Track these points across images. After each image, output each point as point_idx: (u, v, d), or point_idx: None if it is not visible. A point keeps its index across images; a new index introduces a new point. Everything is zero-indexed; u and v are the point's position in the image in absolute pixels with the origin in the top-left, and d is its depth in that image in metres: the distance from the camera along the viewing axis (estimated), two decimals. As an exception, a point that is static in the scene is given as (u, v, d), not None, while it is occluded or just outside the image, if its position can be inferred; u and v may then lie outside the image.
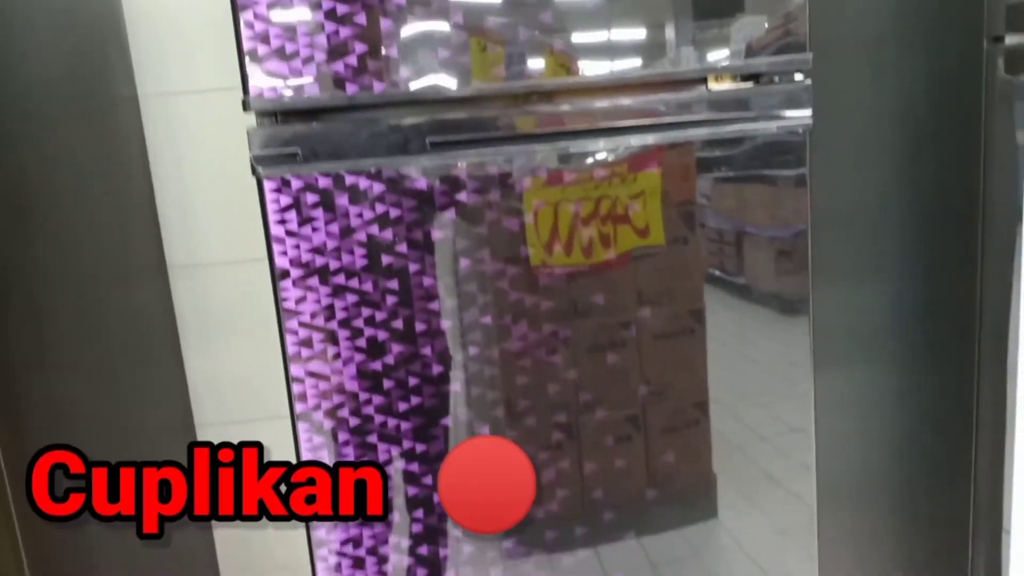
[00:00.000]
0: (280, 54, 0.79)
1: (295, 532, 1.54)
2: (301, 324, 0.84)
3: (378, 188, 0.82)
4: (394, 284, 0.84)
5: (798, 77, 0.88)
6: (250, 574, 1.58)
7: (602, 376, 0.90)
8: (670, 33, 0.85)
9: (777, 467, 0.98)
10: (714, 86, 0.86)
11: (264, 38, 0.79)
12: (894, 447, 1.35)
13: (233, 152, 1.38)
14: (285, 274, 0.83)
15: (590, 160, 0.86)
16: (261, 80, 0.79)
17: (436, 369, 0.87)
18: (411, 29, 0.81)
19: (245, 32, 0.78)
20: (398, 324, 0.85)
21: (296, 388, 0.85)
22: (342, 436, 0.87)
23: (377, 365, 0.86)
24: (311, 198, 0.82)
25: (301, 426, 0.86)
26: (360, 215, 0.82)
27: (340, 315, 0.84)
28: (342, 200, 0.82)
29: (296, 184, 0.81)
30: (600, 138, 0.85)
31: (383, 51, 0.80)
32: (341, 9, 0.79)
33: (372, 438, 0.87)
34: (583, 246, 0.87)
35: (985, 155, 1.03)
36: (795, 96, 0.87)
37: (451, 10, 0.80)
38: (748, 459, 0.98)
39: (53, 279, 1.06)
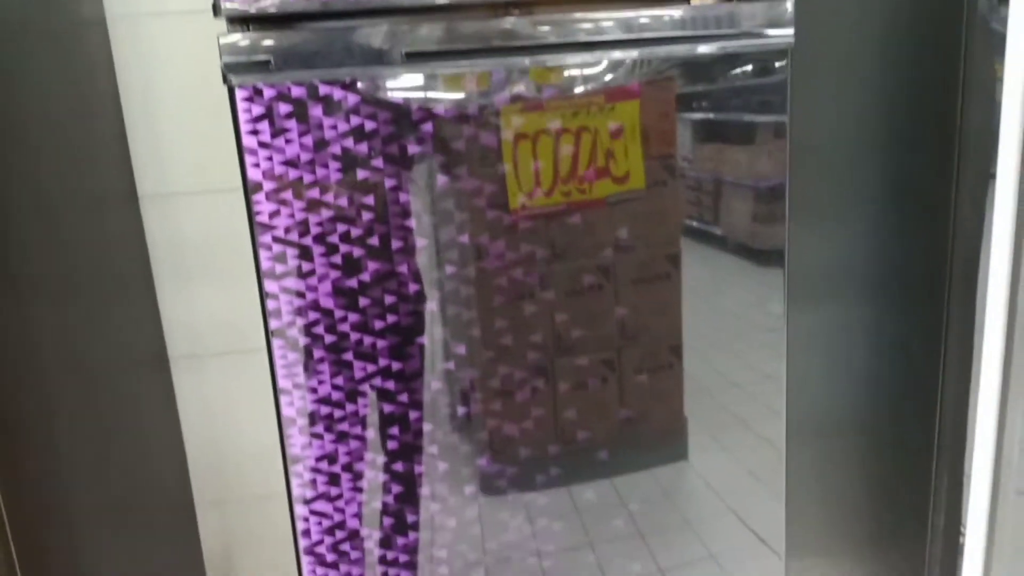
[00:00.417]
0: (251, -45, 0.76)
1: (270, 457, 1.54)
2: (275, 239, 0.83)
3: (353, 99, 0.81)
4: (370, 200, 0.83)
5: (781, -4, 0.87)
6: (227, 504, 1.59)
7: (581, 307, 0.90)
8: (653, -54, 0.83)
9: (747, 411, 1.00)
10: (696, 2, 0.85)
11: (234, -62, 0.76)
12: (862, 381, 1.38)
13: (204, 76, 1.35)
14: (258, 187, 0.81)
15: (568, 78, 0.85)
16: (231, -17, 0.77)
17: (412, 287, 0.87)
18: (387, -67, 0.78)
19: (214, -69, 0.75)
20: (374, 241, 0.84)
21: (270, 304, 0.85)
22: (317, 353, 0.86)
23: (352, 282, 0.85)
24: (284, 108, 0.80)
25: (276, 342, 0.86)
26: (335, 127, 0.81)
27: (314, 230, 0.83)
28: (316, 111, 0.80)
29: (268, 93, 0.79)
30: (579, 53, 0.84)
31: (358, -45, 0.78)
32: (314, -91, 0.76)
33: (347, 356, 0.87)
34: (563, 190, 0.86)
35: (964, 87, 1.03)
36: (777, 15, 0.86)
37: (428, -86, 0.78)
38: (719, 403, 0.99)
39: (20, 206, 1.03)
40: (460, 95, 0.83)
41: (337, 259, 0.84)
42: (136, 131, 1.37)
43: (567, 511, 0.96)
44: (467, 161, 0.84)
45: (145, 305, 1.41)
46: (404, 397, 0.89)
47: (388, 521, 0.91)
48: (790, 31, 0.87)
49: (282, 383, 0.87)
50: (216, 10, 0.77)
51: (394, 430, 0.89)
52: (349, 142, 0.81)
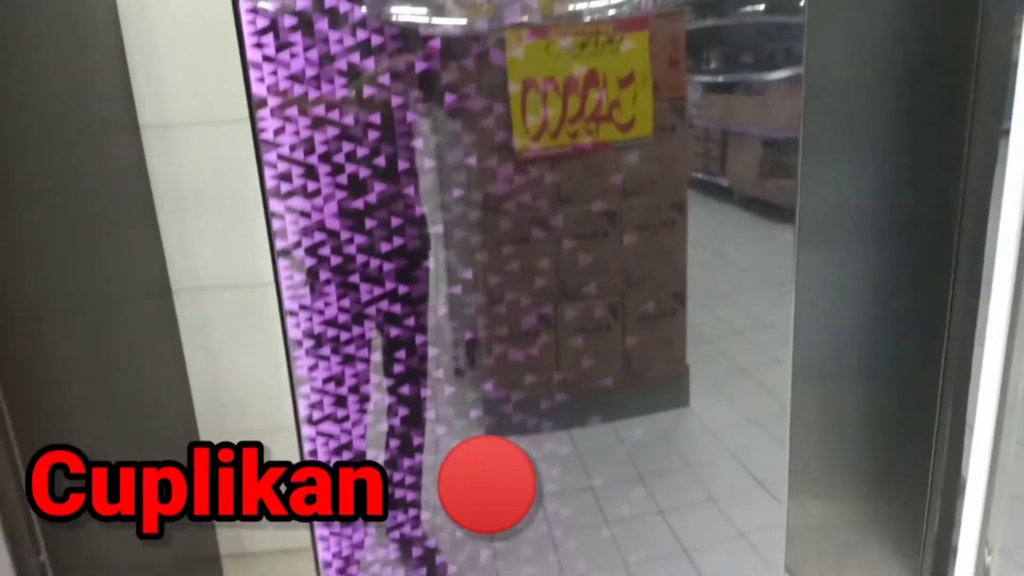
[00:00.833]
0: None
1: (274, 391, 1.55)
2: (280, 157, 0.82)
3: (359, 13, 0.79)
4: (376, 118, 0.82)
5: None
6: (232, 437, 1.60)
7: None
8: None
9: (751, 360, 1.00)
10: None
11: None
12: (868, 324, 1.38)
13: (208, 2, 1.32)
14: (262, 103, 0.80)
15: (576, 9, 0.82)
16: None
17: (419, 210, 0.86)
18: None
19: None
20: (380, 161, 0.83)
21: (275, 224, 0.84)
22: (323, 275, 0.86)
23: (359, 203, 0.84)
24: (289, 21, 0.78)
25: (282, 263, 0.85)
26: (340, 41, 0.79)
27: (320, 149, 0.82)
28: (321, 24, 0.78)
29: (273, 5, 0.77)
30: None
31: None
32: None
33: (354, 278, 0.87)
34: (569, 130, 0.85)
35: (981, 34, 1.00)
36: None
37: None
38: (722, 351, 0.99)
39: (20, 133, 1.02)
40: (466, 19, 0.81)
41: (343, 179, 0.83)
42: (136, 59, 1.34)
43: (568, 451, 0.97)
44: (475, 80, 0.82)
45: (147, 237, 1.40)
46: (410, 321, 0.89)
47: (394, 443, 0.92)
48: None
49: (288, 304, 0.87)
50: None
51: (400, 353, 0.90)
52: (355, 57, 0.80)
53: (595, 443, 0.98)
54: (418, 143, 0.83)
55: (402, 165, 0.84)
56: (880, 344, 1.35)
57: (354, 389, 0.90)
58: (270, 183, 0.83)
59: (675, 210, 0.92)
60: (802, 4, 0.86)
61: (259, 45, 0.78)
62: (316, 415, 0.91)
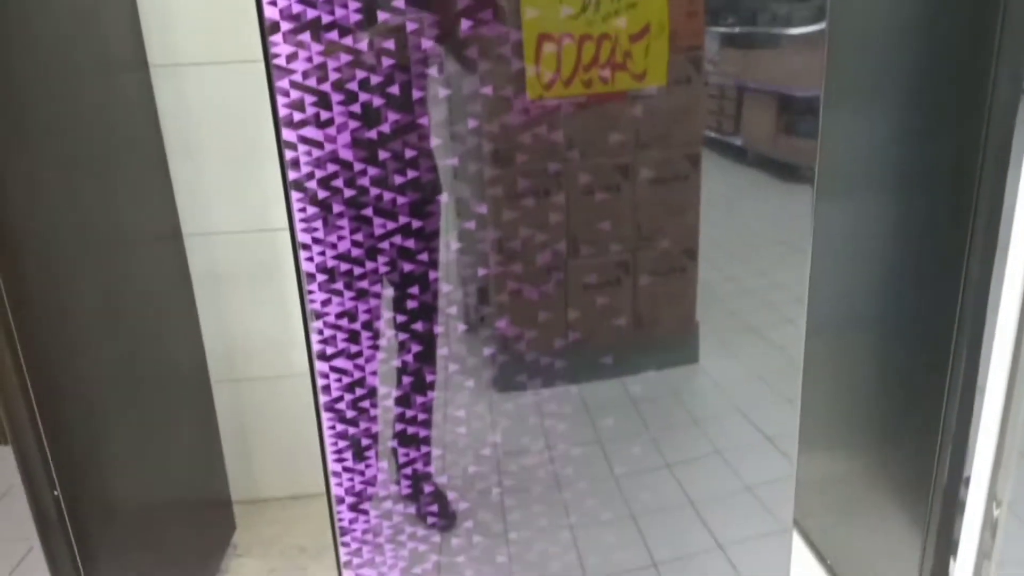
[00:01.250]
0: None
1: (283, 339, 1.56)
2: (292, 84, 0.80)
3: (374, -67, 0.76)
4: (390, 45, 0.80)
5: None
6: (241, 383, 1.61)
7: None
8: None
9: (761, 319, 0.99)
10: None
11: None
12: (883, 274, 1.36)
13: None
14: (275, 27, 0.78)
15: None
16: None
17: (433, 141, 0.84)
18: None
19: None
20: (394, 90, 0.82)
21: (288, 154, 0.83)
22: (336, 207, 0.85)
23: (372, 134, 0.83)
24: (301, -59, 0.76)
25: (295, 195, 0.84)
26: (354, -38, 0.77)
27: (333, 76, 0.80)
28: (335, -55, 0.76)
29: (285, -76, 0.75)
30: None
31: None
32: None
33: (367, 211, 0.86)
34: (583, 79, 0.83)
35: None
36: None
37: None
38: (732, 310, 0.98)
39: (28, 69, 1.00)
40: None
41: (356, 108, 0.82)
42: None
43: (576, 405, 0.97)
44: (491, 5, 0.80)
45: (157, 178, 1.39)
46: (424, 256, 0.88)
47: (407, 380, 0.92)
48: None
49: (301, 237, 0.86)
50: None
51: (413, 289, 0.89)
52: (369, -20, 0.77)
53: (604, 396, 0.98)
54: (434, 71, 0.81)
55: (416, 94, 0.82)
56: (895, 295, 1.34)
57: (367, 325, 0.90)
58: (282, 112, 0.81)
59: (689, 163, 0.90)
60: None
61: (271, -34, 0.76)
62: (329, 351, 0.90)
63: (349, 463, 0.95)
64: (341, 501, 0.96)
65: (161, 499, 1.32)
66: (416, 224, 0.87)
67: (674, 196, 0.91)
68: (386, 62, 0.81)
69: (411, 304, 0.90)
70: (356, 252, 0.87)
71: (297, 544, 1.60)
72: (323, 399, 0.92)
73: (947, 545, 1.21)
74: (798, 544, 1.56)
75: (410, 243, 0.87)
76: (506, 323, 0.92)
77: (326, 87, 0.81)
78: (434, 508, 0.97)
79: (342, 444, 0.94)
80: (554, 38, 0.81)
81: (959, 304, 1.13)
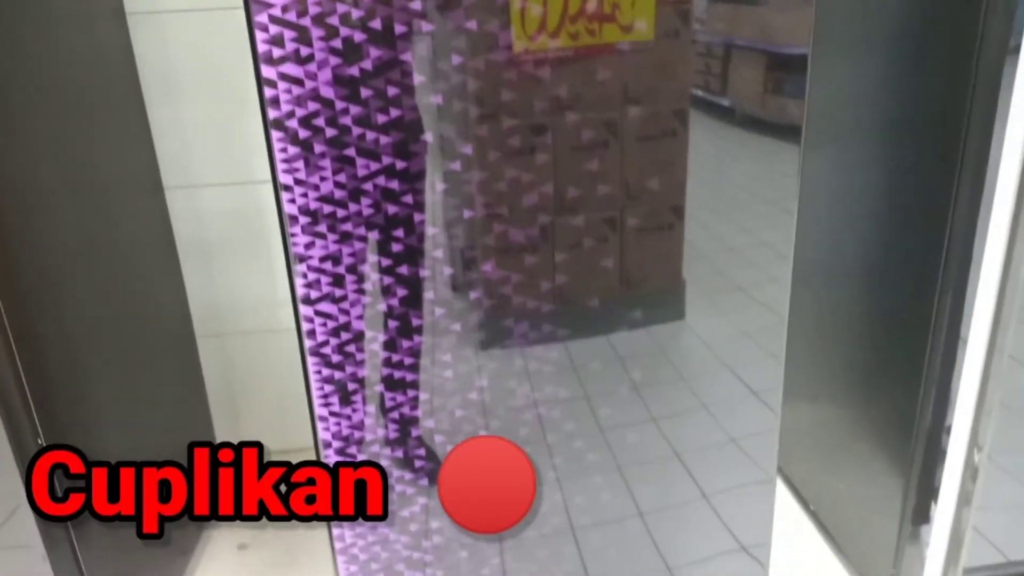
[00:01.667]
0: None
1: (267, 293, 1.55)
2: (271, 19, 0.78)
3: None
4: (371, -23, 0.78)
5: None
6: (226, 336, 1.61)
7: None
8: None
9: (747, 278, 0.99)
10: None
11: None
12: (867, 223, 1.36)
13: None
14: (251, -43, 0.76)
15: None
16: None
17: (417, 78, 0.82)
18: None
19: None
20: (375, 24, 0.80)
21: (268, 92, 0.81)
22: (318, 147, 0.83)
23: (354, 71, 0.81)
24: None
25: (275, 135, 0.83)
26: None
27: (313, 10, 0.78)
28: None
29: None
30: None
31: None
32: None
33: (350, 151, 0.84)
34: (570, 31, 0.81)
35: None
36: None
37: None
38: (718, 268, 0.98)
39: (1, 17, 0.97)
40: None
41: (337, 43, 0.80)
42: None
43: (563, 363, 0.97)
44: (476, -64, 0.78)
45: (136, 129, 1.36)
46: (408, 198, 0.87)
47: (393, 324, 0.92)
48: None
49: (283, 178, 0.84)
50: None
51: (398, 232, 0.88)
52: (349, -92, 0.75)
53: (591, 354, 0.98)
54: (417, 3, 0.79)
55: (399, 29, 0.80)
56: (880, 244, 1.34)
57: (352, 268, 0.89)
58: (261, 48, 0.79)
59: (677, 119, 0.89)
60: None
61: None
62: (313, 294, 0.89)
63: (336, 407, 0.94)
64: (328, 445, 0.96)
65: (146, 452, 1.32)
66: (400, 165, 0.85)
67: (662, 153, 0.90)
68: (367, -5, 0.78)
69: (396, 247, 0.89)
70: (339, 194, 0.86)
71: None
72: (308, 343, 0.91)
73: (928, 491, 1.23)
74: (782, 491, 1.59)
75: (394, 184, 0.86)
76: (492, 266, 0.91)
77: (306, 21, 0.79)
78: (421, 452, 0.97)
79: (328, 389, 0.93)
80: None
81: (943, 253, 1.14)
